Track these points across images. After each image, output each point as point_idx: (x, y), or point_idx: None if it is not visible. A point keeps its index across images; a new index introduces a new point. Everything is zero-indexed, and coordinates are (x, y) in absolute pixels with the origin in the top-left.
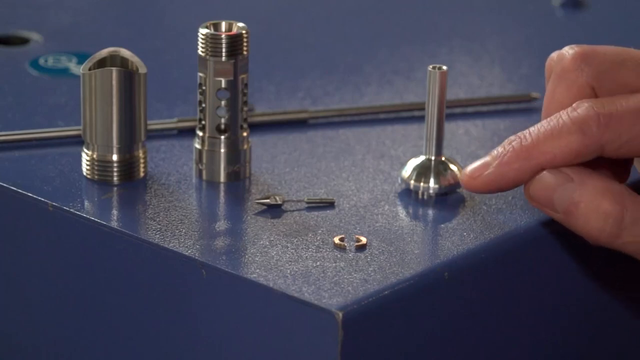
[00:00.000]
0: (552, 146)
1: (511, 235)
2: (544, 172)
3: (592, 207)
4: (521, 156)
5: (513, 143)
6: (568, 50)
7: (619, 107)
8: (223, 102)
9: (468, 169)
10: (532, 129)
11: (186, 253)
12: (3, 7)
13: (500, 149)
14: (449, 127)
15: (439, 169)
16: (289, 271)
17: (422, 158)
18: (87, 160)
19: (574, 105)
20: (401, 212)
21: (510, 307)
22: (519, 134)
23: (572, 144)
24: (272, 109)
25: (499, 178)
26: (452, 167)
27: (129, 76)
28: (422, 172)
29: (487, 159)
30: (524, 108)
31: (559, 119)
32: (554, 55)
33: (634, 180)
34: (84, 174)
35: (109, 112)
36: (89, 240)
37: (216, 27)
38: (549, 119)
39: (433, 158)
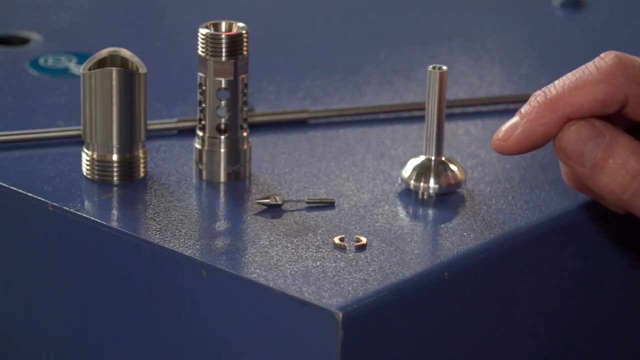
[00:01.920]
0: (578, 96)
1: (511, 235)
2: (577, 124)
3: (621, 163)
4: (547, 109)
5: (538, 98)
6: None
7: None
8: (223, 102)
9: (500, 131)
10: (556, 81)
11: (186, 253)
12: (3, 7)
13: (526, 106)
14: (449, 127)
15: (439, 169)
16: (289, 271)
17: (422, 158)
18: (87, 160)
19: (601, 55)
20: (401, 212)
21: (510, 307)
22: (544, 88)
23: (598, 93)
24: (272, 109)
25: (528, 136)
26: (452, 167)
27: (129, 76)
28: (422, 172)
29: (515, 119)
30: None
31: (585, 70)
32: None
33: None
34: (84, 174)
35: (109, 112)
36: (89, 240)
37: (216, 27)
38: (574, 71)
39: (433, 158)
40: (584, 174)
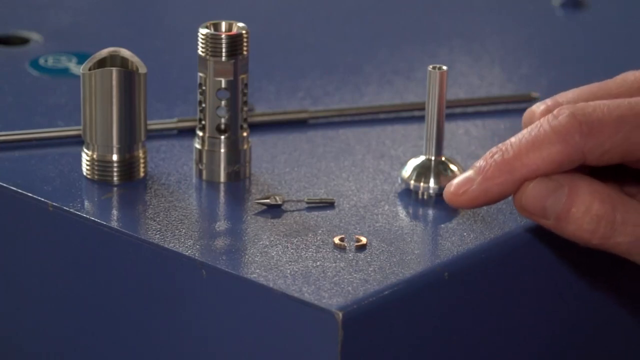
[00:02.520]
0: (535, 157)
1: (511, 235)
2: (534, 182)
3: (584, 210)
4: (504, 170)
5: (495, 156)
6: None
7: (600, 114)
8: (223, 102)
9: (452, 185)
10: (512, 139)
11: (186, 253)
12: (3, 7)
13: (482, 162)
14: (449, 127)
15: (439, 169)
16: (289, 271)
17: (422, 158)
18: (87, 160)
19: (554, 112)
20: (401, 212)
21: (510, 307)
22: (500, 145)
23: (554, 154)
24: (272, 109)
25: (483, 194)
26: (452, 167)
27: (129, 76)
28: (422, 172)
29: (470, 173)
30: (524, 108)
31: (540, 128)
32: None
33: None
34: (84, 174)
35: (109, 112)
36: (89, 240)
37: (216, 27)
38: (530, 128)
39: (433, 158)
40: (550, 225)
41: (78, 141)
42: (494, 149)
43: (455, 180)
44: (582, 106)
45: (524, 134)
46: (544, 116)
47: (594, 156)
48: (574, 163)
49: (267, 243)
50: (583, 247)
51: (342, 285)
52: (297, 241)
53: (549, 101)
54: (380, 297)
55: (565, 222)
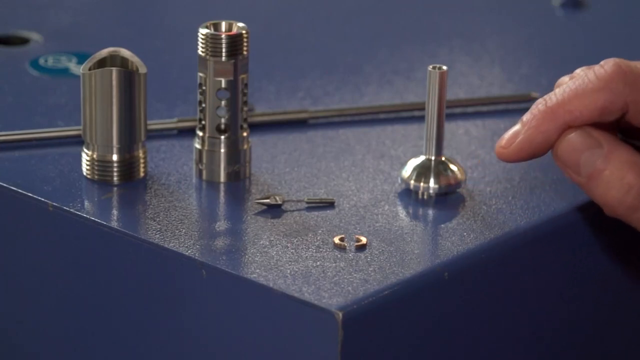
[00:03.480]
0: (578, 104)
1: (511, 235)
2: (574, 133)
3: (616, 176)
4: (547, 117)
5: (539, 106)
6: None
7: None
8: (223, 102)
9: (502, 139)
10: (557, 89)
11: (186, 253)
12: (3, 7)
13: (528, 114)
14: (449, 127)
15: (439, 169)
16: (289, 271)
17: (422, 158)
18: (87, 160)
19: (601, 62)
20: (401, 212)
21: (510, 307)
22: (545, 96)
23: (597, 101)
24: (272, 109)
25: (528, 144)
26: (452, 167)
27: (129, 76)
28: (422, 172)
29: (517, 127)
30: (524, 108)
31: (585, 78)
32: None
33: None
34: (84, 174)
35: (109, 112)
36: (89, 240)
37: (216, 27)
38: (574, 77)
39: (433, 158)
40: (581, 182)
41: (78, 141)
42: (538, 100)
43: (505, 135)
44: (627, 61)
45: (569, 84)
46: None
47: (635, 110)
48: (616, 113)
49: (267, 243)
50: (584, 247)
51: (342, 285)
52: (297, 241)
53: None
54: (380, 297)
55: (595, 183)
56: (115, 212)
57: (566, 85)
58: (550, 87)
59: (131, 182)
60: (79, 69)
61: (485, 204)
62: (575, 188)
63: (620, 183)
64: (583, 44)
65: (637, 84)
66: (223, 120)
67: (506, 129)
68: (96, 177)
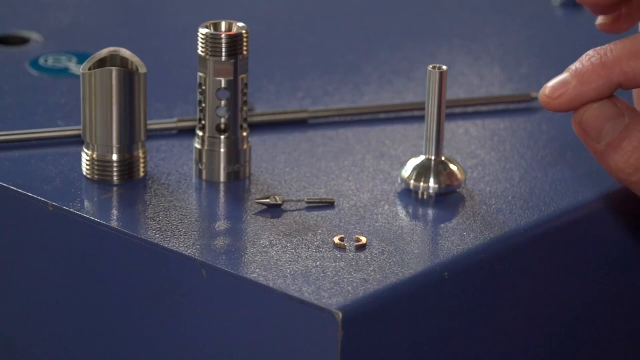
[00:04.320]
0: (635, 66)
1: (511, 235)
2: (602, 102)
3: (636, 145)
4: (602, 74)
5: (592, 59)
6: None
7: None
8: (223, 102)
9: (547, 88)
10: (613, 45)
11: (186, 253)
12: (3, 7)
13: (579, 65)
14: (449, 127)
15: (439, 169)
16: (289, 271)
17: (422, 158)
18: (87, 160)
19: None
20: (401, 212)
21: (510, 307)
22: (599, 49)
23: None
24: (272, 109)
25: (579, 97)
26: (452, 167)
27: (129, 76)
28: (422, 172)
29: (565, 76)
30: (524, 108)
31: None
32: None
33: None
34: (84, 174)
35: (109, 112)
36: (89, 240)
37: (216, 27)
38: (632, 37)
39: (433, 158)
40: (598, 150)
41: (78, 141)
42: (590, 52)
43: (550, 83)
44: None
45: (625, 42)
46: None
47: None
48: None
49: (267, 243)
50: (584, 246)
51: (342, 285)
52: (297, 241)
53: None
54: (380, 297)
55: (614, 152)
56: (115, 212)
57: (622, 43)
58: None
59: (131, 182)
60: (79, 69)
61: (485, 204)
62: (575, 188)
63: (638, 153)
64: (583, 44)
65: None
66: (223, 120)
67: (506, 129)
68: (96, 177)
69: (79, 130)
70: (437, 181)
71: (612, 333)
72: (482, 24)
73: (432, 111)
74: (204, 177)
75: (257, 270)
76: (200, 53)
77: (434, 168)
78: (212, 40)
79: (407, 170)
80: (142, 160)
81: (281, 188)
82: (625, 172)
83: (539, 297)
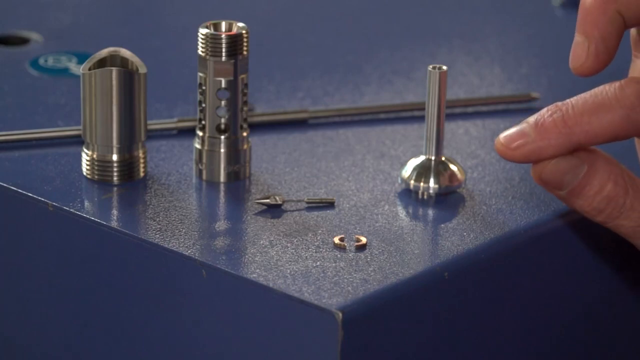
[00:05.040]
0: (596, 126)
1: (511, 235)
2: (559, 157)
3: (597, 190)
4: (563, 132)
5: (554, 116)
6: None
7: None
8: (223, 102)
9: (503, 136)
10: (574, 101)
11: (186, 253)
12: (3, 7)
13: (539, 117)
14: (449, 127)
15: (439, 169)
16: (289, 271)
17: (422, 158)
18: (87, 160)
19: (622, 82)
20: (401, 212)
21: (510, 307)
22: (560, 104)
23: (614, 125)
24: (272, 109)
25: (537, 152)
26: (452, 167)
27: (129, 76)
28: (422, 172)
29: (523, 127)
30: (524, 108)
31: (605, 96)
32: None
33: None
34: (84, 174)
35: (109, 112)
36: (89, 240)
37: (216, 27)
38: (594, 93)
39: (433, 158)
40: (561, 197)
41: (78, 141)
42: (552, 107)
43: (508, 132)
44: None
45: (587, 97)
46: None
47: None
48: (629, 136)
49: (267, 243)
50: (584, 246)
51: (342, 285)
52: (297, 241)
53: None
54: (380, 297)
55: (576, 197)
56: (115, 212)
57: (584, 100)
58: (550, 87)
59: (131, 182)
60: (79, 69)
61: (485, 204)
62: None
63: (600, 196)
64: None
65: None
66: (223, 120)
67: (506, 129)
68: (96, 177)
69: (79, 130)
70: (437, 181)
71: (612, 333)
72: (482, 24)
73: (432, 111)
74: (204, 177)
75: (257, 270)
76: (200, 53)
77: (434, 168)
78: (212, 40)
79: (407, 170)
80: (142, 160)
81: (281, 188)
82: (590, 214)
83: (539, 297)
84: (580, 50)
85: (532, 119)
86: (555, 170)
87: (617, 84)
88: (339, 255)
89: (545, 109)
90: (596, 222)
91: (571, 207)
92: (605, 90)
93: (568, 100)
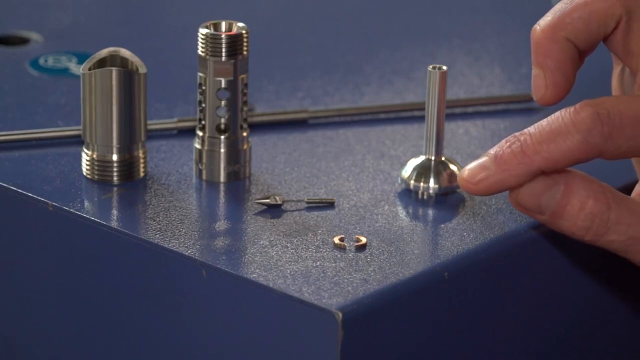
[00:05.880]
0: (554, 152)
1: (511, 235)
2: (533, 180)
3: (579, 207)
4: (522, 161)
5: (513, 147)
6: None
7: (622, 114)
8: (223, 102)
9: (465, 172)
10: (531, 129)
11: (186, 253)
12: (3, 7)
13: (498, 150)
14: (449, 127)
15: (439, 169)
16: (289, 271)
17: (422, 158)
18: (87, 160)
19: (577, 106)
20: (401, 212)
21: (510, 307)
22: (517, 134)
23: (573, 149)
24: (272, 109)
25: (499, 184)
26: (452, 167)
27: (129, 76)
28: (422, 172)
29: (484, 160)
30: (524, 108)
31: (562, 122)
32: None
33: (628, 182)
34: (84, 174)
35: (109, 112)
36: (89, 240)
37: (216, 27)
38: (550, 120)
39: (433, 158)
40: (545, 220)
41: (78, 141)
42: (510, 138)
43: (469, 167)
44: (605, 104)
45: (544, 125)
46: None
47: (609, 154)
48: (590, 159)
49: (267, 243)
50: (584, 247)
51: (342, 285)
52: (297, 241)
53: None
54: (380, 297)
55: (560, 219)
56: (115, 212)
57: (542, 127)
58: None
59: (131, 182)
60: (79, 69)
61: (485, 204)
62: None
63: (583, 213)
64: None
65: (613, 135)
66: (223, 120)
67: (506, 129)
68: (96, 177)
69: (79, 130)
70: (437, 181)
71: (611, 333)
72: (482, 24)
73: (432, 111)
74: (204, 177)
75: (257, 270)
76: (200, 53)
77: (434, 168)
78: (212, 40)
79: (407, 170)
80: (142, 160)
81: (281, 188)
82: (578, 234)
83: (538, 297)
84: (539, 82)
85: (492, 151)
86: (530, 193)
87: (572, 108)
88: (339, 255)
89: (504, 141)
90: (586, 243)
91: (558, 230)
92: (560, 116)
93: (526, 130)
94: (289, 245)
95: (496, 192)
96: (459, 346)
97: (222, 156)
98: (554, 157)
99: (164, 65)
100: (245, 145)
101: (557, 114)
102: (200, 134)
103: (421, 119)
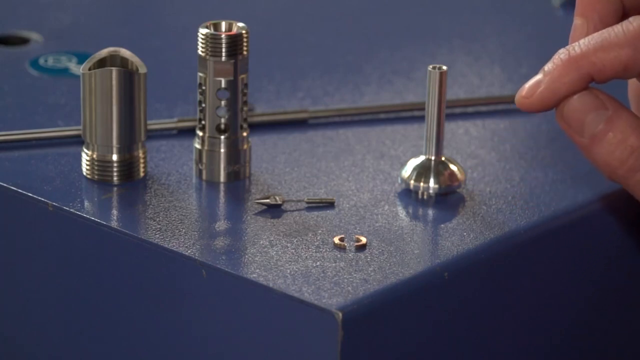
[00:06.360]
0: (602, 57)
1: (511, 235)
2: (581, 93)
3: (621, 138)
4: (570, 67)
5: (561, 56)
6: None
7: None
8: (223, 102)
9: (523, 89)
10: (581, 40)
11: (186, 253)
12: (3, 7)
13: (549, 64)
14: (449, 127)
15: (439, 169)
16: (289, 271)
17: (422, 158)
18: (87, 160)
19: (630, 19)
20: (401, 212)
21: (510, 307)
22: (568, 46)
23: (622, 57)
24: (272, 109)
25: (551, 93)
26: (452, 167)
27: (129, 76)
28: (422, 172)
29: (538, 76)
30: None
31: (611, 32)
32: None
33: None
34: (84, 174)
35: (109, 112)
36: (89, 240)
37: (216, 27)
38: (600, 31)
39: (433, 158)
40: (582, 144)
41: (78, 141)
42: (560, 50)
43: (526, 84)
44: None
45: (594, 35)
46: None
47: None
48: (637, 72)
49: (267, 243)
50: (584, 247)
51: (342, 285)
52: (297, 241)
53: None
54: (380, 297)
55: (598, 145)
56: (115, 212)
57: (591, 37)
58: None
59: (131, 182)
60: (79, 69)
61: (485, 204)
62: (575, 188)
63: (623, 145)
64: None
65: None
66: (223, 120)
67: (506, 129)
68: (96, 177)
69: (79, 130)
70: (437, 181)
71: (611, 333)
72: (482, 24)
73: (432, 111)
74: (204, 177)
75: (257, 270)
76: (200, 53)
77: (434, 168)
78: (212, 40)
79: (407, 170)
80: (142, 160)
81: (281, 188)
82: (612, 165)
83: (539, 297)
84: (579, 34)
85: (545, 67)
86: (578, 106)
87: (624, 21)
88: (339, 255)
89: (555, 54)
90: (615, 181)
91: (592, 159)
92: (611, 28)
93: (576, 42)
94: (289, 245)
95: (549, 105)
96: (459, 346)
97: (222, 156)
98: (602, 62)
99: (164, 65)
100: (245, 145)
101: (608, 28)
102: (200, 134)
103: (421, 119)
